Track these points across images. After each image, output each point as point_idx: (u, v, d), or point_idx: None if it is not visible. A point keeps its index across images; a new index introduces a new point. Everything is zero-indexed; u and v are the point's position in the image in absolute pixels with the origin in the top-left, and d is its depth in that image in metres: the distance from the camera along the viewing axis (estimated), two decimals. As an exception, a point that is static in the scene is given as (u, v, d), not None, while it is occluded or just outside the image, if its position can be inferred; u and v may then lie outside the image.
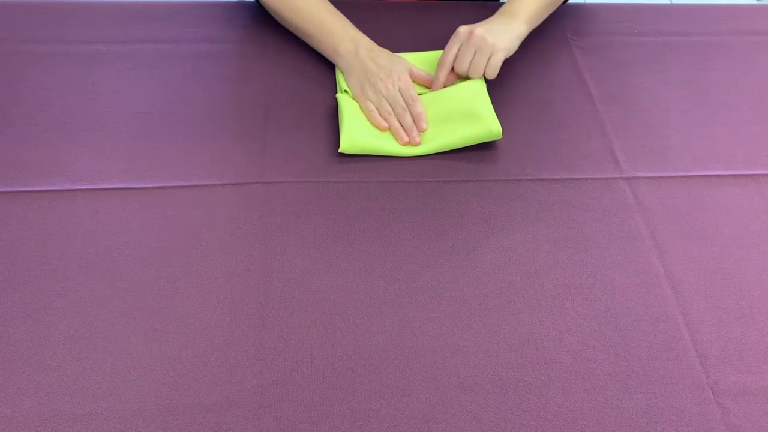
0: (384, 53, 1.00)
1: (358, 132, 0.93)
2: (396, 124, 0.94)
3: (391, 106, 0.95)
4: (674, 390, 0.73)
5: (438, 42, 1.08)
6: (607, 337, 0.76)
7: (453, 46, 0.97)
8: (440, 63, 0.98)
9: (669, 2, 1.38)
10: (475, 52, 0.96)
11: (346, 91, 0.98)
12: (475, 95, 0.96)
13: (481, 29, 0.96)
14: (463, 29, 0.97)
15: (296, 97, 0.99)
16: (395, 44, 1.03)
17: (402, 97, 0.95)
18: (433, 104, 0.96)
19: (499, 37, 0.96)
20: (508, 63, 1.05)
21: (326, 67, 1.04)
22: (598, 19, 1.15)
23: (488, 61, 0.96)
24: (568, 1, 1.16)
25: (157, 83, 1.00)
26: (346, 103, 0.96)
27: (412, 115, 0.95)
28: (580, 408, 0.71)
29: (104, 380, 0.71)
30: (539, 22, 1.05)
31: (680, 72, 1.07)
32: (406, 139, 0.93)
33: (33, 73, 1.00)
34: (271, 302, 0.77)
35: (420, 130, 0.94)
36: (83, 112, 0.96)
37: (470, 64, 0.96)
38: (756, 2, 1.60)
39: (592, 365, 0.74)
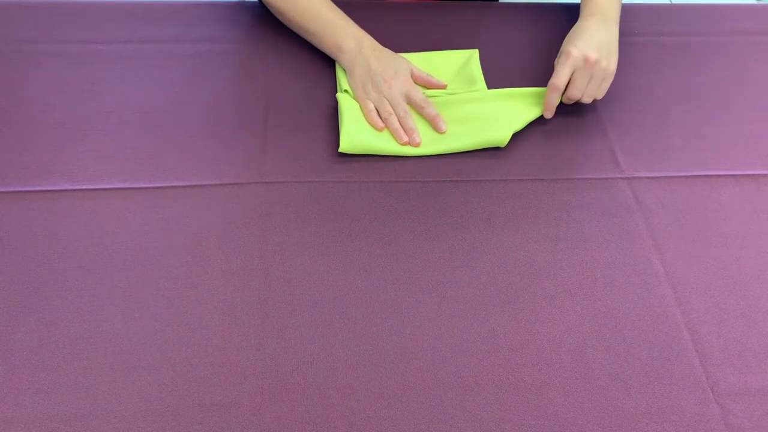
0: (387, 53, 1.00)
1: (358, 132, 0.93)
2: (396, 125, 0.93)
3: (392, 107, 0.95)
4: (674, 390, 0.73)
5: (438, 42, 1.08)
6: (607, 337, 0.76)
7: (565, 70, 0.93)
8: (552, 86, 0.93)
9: (669, 2, 1.38)
10: (590, 78, 0.94)
11: (346, 90, 0.98)
12: (486, 101, 0.96)
13: (594, 54, 0.93)
14: (576, 52, 0.93)
15: (296, 97, 0.99)
16: (395, 44, 1.03)
17: (412, 99, 0.96)
18: (439, 108, 0.96)
19: (610, 59, 0.95)
20: (507, 63, 1.05)
21: (326, 67, 1.04)
22: (598, 19, 1.15)
23: (599, 85, 0.95)
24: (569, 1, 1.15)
25: (157, 83, 1.00)
26: (346, 103, 0.96)
27: (428, 118, 0.95)
28: (580, 408, 0.71)
29: (104, 380, 0.71)
30: None
31: (680, 72, 1.07)
32: (406, 139, 0.93)
33: (33, 73, 1.00)
34: (271, 302, 0.77)
35: (439, 131, 0.94)
36: (83, 112, 0.96)
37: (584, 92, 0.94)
38: (756, 2, 1.60)
39: (592, 365, 0.74)
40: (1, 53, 1.03)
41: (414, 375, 0.72)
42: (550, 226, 0.86)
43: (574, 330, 0.77)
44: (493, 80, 1.01)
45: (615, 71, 0.96)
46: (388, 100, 0.95)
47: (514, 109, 0.96)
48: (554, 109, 0.96)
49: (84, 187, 0.87)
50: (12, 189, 0.86)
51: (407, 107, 0.95)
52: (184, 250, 0.81)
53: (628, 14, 1.17)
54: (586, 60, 0.93)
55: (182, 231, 0.83)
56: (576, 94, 0.95)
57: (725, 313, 0.79)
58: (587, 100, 0.96)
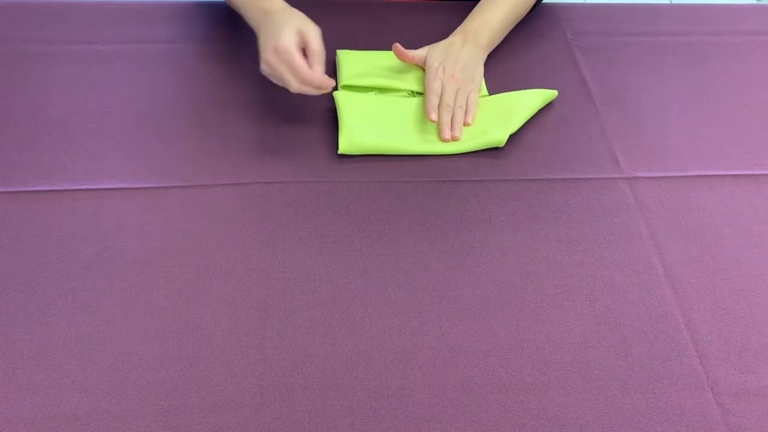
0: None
1: (357, 132, 0.93)
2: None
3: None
4: (674, 390, 0.73)
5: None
6: (607, 337, 0.76)
7: (438, 84, 0.95)
8: (431, 106, 0.93)
9: (669, 2, 1.38)
10: (458, 91, 0.95)
11: (345, 86, 0.98)
12: (484, 102, 0.97)
13: (459, 74, 0.95)
14: (441, 72, 0.95)
15: (296, 97, 0.99)
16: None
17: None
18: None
19: (474, 78, 0.97)
20: (507, 63, 1.06)
21: (327, 67, 1.03)
22: (598, 19, 1.15)
23: (467, 99, 0.95)
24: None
25: (157, 83, 1.00)
26: (344, 102, 0.96)
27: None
28: (580, 408, 0.71)
29: (104, 380, 0.71)
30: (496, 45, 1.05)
31: (680, 72, 1.07)
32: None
33: (33, 73, 1.00)
34: (271, 302, 0.77)
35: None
36: (83, 112, 0.96)
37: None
38: (756, 2, 1.60)
39: (592, 365, 0.74)
40: (1, 53, 1.03)
41: (414, 375, 0.72)
42: (550, 226, 0.86)
43: (574, 330, 0.77)
44: (493, 80, 1.01)
45: (480, 84, 0.98)
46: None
47: (511, 110, 0.96)
48: (436, 109, 0.93)
49: (84, 187, 0.87)
50: (12, 189, 0.86)
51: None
52: (184, 250, 0.81)
53: (628, 14, 1.17)
54: (451, 78, 0.95)
55: (182, 231, 0.83)
56: (448, 109, 0.94)
57: (725, 313, 0.79)
58: (459, 114, 0.94)
